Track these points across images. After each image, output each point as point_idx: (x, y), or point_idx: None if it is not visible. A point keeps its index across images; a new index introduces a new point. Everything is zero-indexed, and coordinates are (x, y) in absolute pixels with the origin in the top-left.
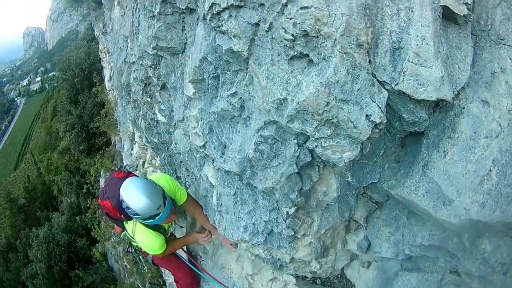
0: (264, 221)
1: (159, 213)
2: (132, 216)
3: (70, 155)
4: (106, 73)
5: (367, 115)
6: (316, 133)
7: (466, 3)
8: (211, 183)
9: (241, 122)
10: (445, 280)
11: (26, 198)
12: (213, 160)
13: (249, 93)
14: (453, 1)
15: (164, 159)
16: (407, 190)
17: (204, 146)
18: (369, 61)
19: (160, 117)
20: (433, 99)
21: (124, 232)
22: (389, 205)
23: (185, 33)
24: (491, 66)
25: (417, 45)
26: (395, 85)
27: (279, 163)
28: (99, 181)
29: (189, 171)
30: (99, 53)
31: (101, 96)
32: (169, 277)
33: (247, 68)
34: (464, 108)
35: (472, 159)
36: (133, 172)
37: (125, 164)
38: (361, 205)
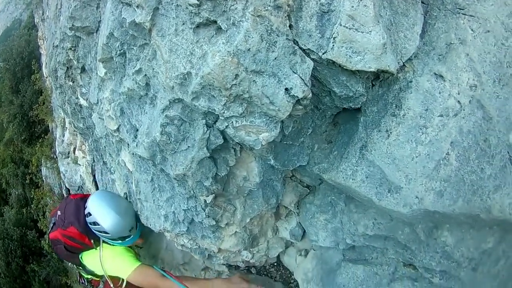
0: (183, 209)
1: (129, 236)
2: (99, 234)
3: (14, 146)
4: (43, 60)
5: (286, 89)
6: (226, 112)
7: None
8: (128, 169)
9: (148, 102)
10: (398, 273)
11: None
12: (128, 145)
13: (153, 69)
14: None
15: (91, 144)
16: (342, 175)
17: (118, 129)
18: (290, 26)
19: (82, 101)
20: (371, 69)
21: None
22: (322, 189)
23: (99, 11)
24: (446, 36)
25: (352, 7)
26: (323, 53)
27: (188, 146)
28: (41, 170)
29: (112, 156)
30: (38, 40)
31: (39, 84)
32: None
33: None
34: (411, 81)
35: (424, 141)
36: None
37: (57, 151)
38: (289, 189)
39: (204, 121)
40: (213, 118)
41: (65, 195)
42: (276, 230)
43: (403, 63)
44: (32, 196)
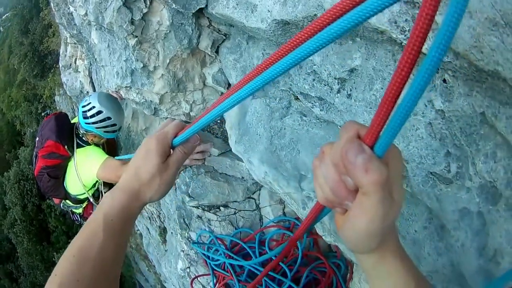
0: (124, 60)
1: (118, 130)
2: (104, 129)
3: (27, 84)
4: None
5: None
6: None
7: None
8: (95, 44)
9: None
10: (292, 107)
11: None
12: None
13: None
14: None
15: (85, 48)
16: (221, 6)
17: (86, 14)
18: None
19: (71, 8)
20: None
21: (63, 202)
22: (233, 34)
23: None
24: None
25: None
26: None
27: (112, 1)
28: (55, 100)
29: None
30: None
31: (48, 18)
32: None
33: None
34: None
35: None
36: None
37: (61, 65)
38: (205, 36)
39: None
40: None
41: None
42: (204, 78)
43: None
44: None
